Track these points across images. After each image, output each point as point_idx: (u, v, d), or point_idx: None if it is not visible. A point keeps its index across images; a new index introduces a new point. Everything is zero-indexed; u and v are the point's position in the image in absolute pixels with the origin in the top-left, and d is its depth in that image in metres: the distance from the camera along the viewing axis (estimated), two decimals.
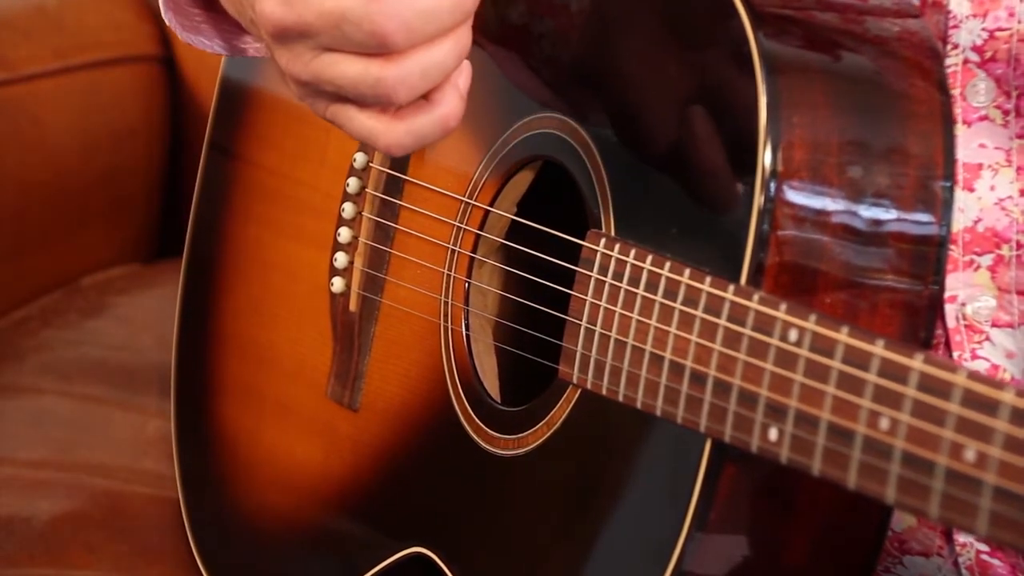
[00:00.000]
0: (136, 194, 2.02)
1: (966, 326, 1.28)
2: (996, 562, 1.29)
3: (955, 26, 1.27)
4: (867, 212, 1.18)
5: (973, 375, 1.04)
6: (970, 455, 1.03)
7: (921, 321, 1.20)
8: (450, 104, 1.20)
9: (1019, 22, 1.26)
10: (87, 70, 1.97)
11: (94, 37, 1.99)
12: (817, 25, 1.23)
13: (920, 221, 1.19)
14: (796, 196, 1.17)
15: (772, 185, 1.16)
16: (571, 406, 1.27)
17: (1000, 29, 1.26)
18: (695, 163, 1.21)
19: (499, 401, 1.35)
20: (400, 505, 1.40)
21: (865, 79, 1.21)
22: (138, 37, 1.99)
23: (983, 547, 1.29)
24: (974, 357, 1.28)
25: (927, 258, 1.19)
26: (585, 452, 1.27)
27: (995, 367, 1.28)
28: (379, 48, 1.17)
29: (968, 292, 1.28)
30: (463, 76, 1.21)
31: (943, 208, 1.19)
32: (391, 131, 1.20)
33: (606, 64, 1.28)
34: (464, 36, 1.19)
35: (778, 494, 1.20)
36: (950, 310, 1.28)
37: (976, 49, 1.27)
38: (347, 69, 1.18)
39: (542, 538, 1.29)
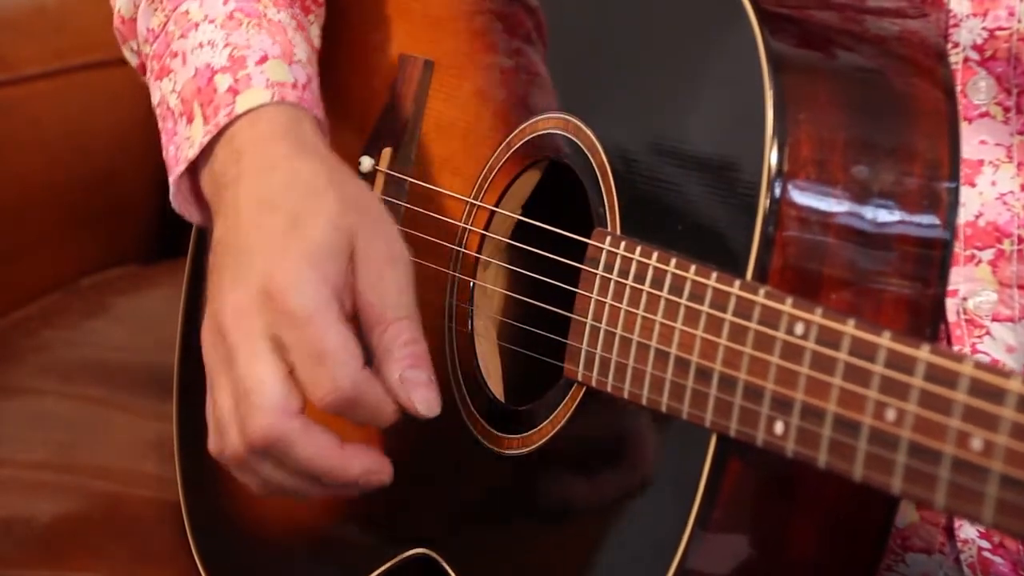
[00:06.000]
0: (136, 194, 2.02)
1: (967, 320, 1.29)
2: (998, 559, 1.29)
3: (955, 24, 1.27)
4: (872, 214, 1.18)
5: (979, 365, 1.04)
6: (977, 444, 1.03)
7: (926, 321, 1.20)
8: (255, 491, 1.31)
9: (1019, 21, 1.27)
10: (87, 71, 1.97)
11: (94, 37, 1.98)
12: (821, 24, 1.23)
13: (925, 223, 1.19)
14: (801, 197, 1.17)
15: (778, 185, 1.16)
16: (576, 404, 1.27)
17: (1000, 28, 1.27)
18: (701, 163, 1.21)
19: (504, 401, 1.35)
20: (403, 506, 1.39)
21: (870, 78, 1.21)
22: None
23: (985, 544, 1.29)
24: (974, 351, 1.29)
25: (932, 260, 1.20)
26: (590, 450, 1.27)
27: (995, 361, 1.28)
28: (243, 430, 1.25)
29: (969, 286, 1.29)
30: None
31: (948, 210, 1.20)
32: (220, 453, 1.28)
33: (611, 64, 1.28)
34: (288, 493, 1.29)
35: (782, 490, 1.20)
36: (951, 304, 1.28)
37: (976, 48, 1.27)
38: (222, 404, 1.26)
39: (546, 536, 1.29)
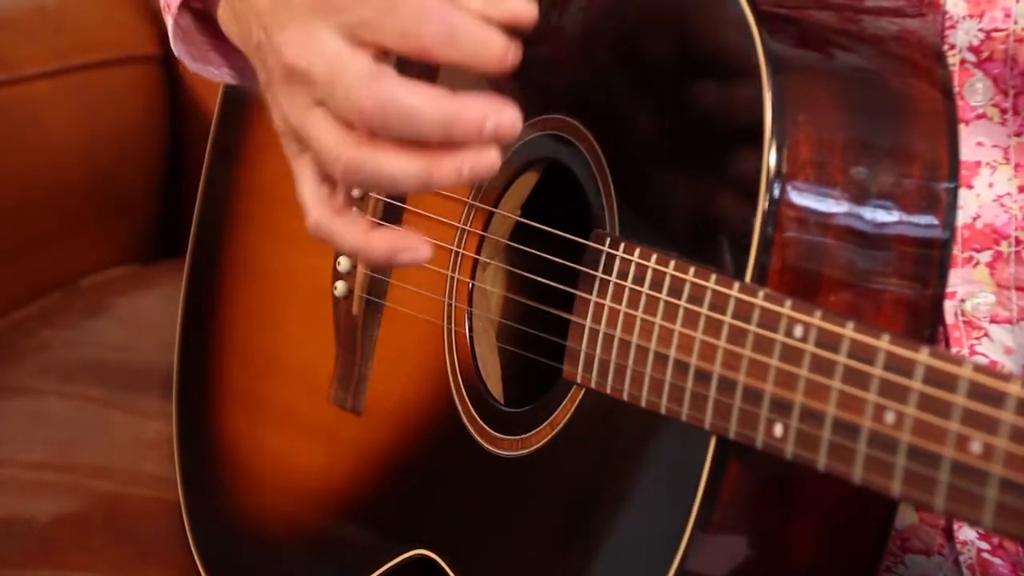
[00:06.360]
0: (136, 194, 2.03)
1: (965, 322, 1.29)
2: (997, 561, 1.29)
3: (951, 26, 1.27)
4: (871, 214, 1.18)
5: (979, 368, 1.05)
6: (976, 447, 1.04)
7: (925, 321, 1.20)
8: (381, 248, 1.21)
9: (1015, 23, 1.27)
10: (87, 70, 1.98)
11: (94, 37, 1.99)
12: (819, 25, 1.23)
13: (924, 224, 1.19)
14: (800, 198, 1.17)
15: (776, 187, 1.16)
16: (575, 406, 1.27)
17: (996, 30, 1.27)
18: (700, 164, 1.21)
19: (503, 403, 1.35)
20: (403, 508, 1.40)
21: (868, 79, 1.21)
22: (138, 37, 1.99)
23: (984, 545, 1.30)
24: (972, 353, 1.29)
25: (931, 260, 1.20)
26: (589, 452, 1.27)
27: (993, 363, 1.29)
28: (356, 122, 1.17)
29: (967, 288, 1.29)
30: (421, 249, 1.21)
31: (947, 211, 1.20)
32: (320, 217, 1.22)
33: (610, 65, 1.28)
34: (436, 172, 1.17)
35: (782, 492, 1.20)
36: (949, 306, 1.29)
37: (973, 49, 1.27)
38: (324, 134, 1.19)
39: (546, 539, 1.29)
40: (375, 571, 1.40)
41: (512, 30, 1.20)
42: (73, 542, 1.57)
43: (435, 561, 1.35)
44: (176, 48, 1.38)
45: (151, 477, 1.63)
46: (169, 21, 1.36)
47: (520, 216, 1.36)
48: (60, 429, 1.70)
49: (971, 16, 1.27)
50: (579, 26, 1.31)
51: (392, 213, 1.42)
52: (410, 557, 1.37)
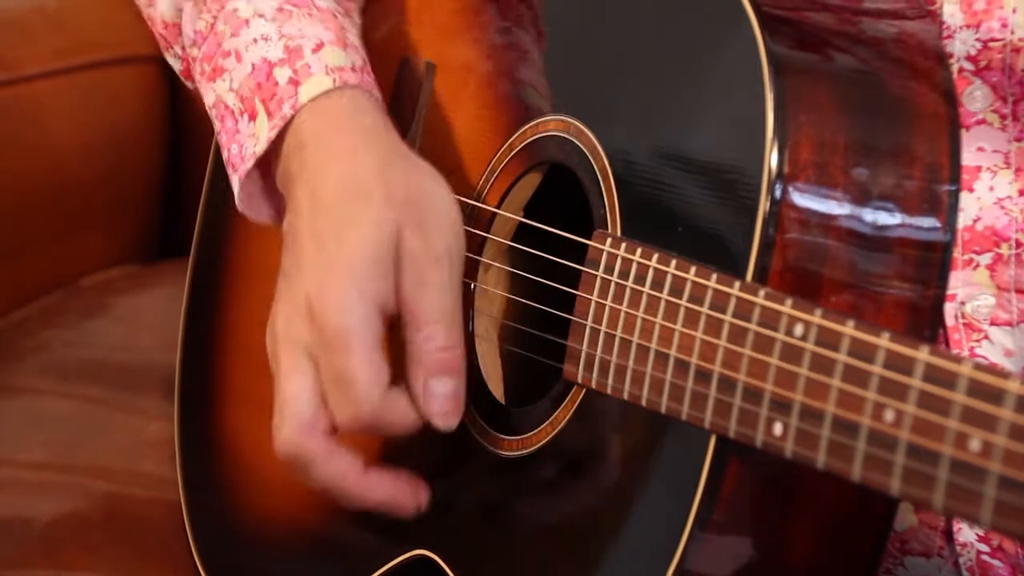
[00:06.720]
0: (136, 194, 2.03)
1: (965, 324, 1.29)
2: (997, 563, 1.29)
3: (949, 36, 1.28)
4: (872, 216, 1.18)
5: (978, 366, 1.05)
6: (975, 445, 1.04)
7: (925, 322, 1.20)
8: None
9: (1012, 32, 1.27)
10: (87, 70, 1.98)
11: (94, 37, 1.99)
12: (821, 27, 1.23)
13: (926, 226, 1.19)
14: (801, 199, 1.17)
15: (778, 188, 1.16)
16: (575, 406, 1.27)
17: (993, 40, 1.27)
18: (701, 165, 1.21)
19: (503, 402, 1.35)
20: None
21: (870, 81, 1.21)
22: (138, 37, 1.99)
23: (984, 548, 1.30)
24: (972, 355, 1.29)
25: (932, 262, 1.20)
26: (589, 452, 1.27)
27: (993, 365, 1.29)
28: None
29: (967, 291, 1.29)
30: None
31: (949, 213, 1.20)
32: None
33: (613, 66, 1.28)
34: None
35: (781, 491, 1.20)
36: (949, 308, 1.29)
37: (970, 59, 1.27)
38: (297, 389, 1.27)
39: (545, 538, 1.29)
40: (375, 572, 1.40)
41: None
42: (73, 542, 1.57)
43: (435, 561, 1.35)
44: (240, 201, 1.38)
45: (151, 477, 1.63)
46: (237, 179, 1.36)
47: (523, 217, 1.36)
48: (60, 429, 1.70)
49: (968, 26, 1.27)
50: (581, 28, 1.32)
51: None
52: (410, 557, 1.37)
